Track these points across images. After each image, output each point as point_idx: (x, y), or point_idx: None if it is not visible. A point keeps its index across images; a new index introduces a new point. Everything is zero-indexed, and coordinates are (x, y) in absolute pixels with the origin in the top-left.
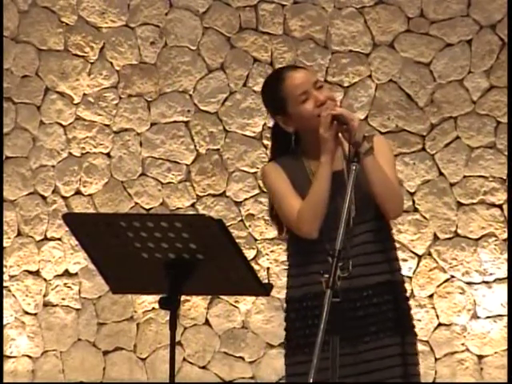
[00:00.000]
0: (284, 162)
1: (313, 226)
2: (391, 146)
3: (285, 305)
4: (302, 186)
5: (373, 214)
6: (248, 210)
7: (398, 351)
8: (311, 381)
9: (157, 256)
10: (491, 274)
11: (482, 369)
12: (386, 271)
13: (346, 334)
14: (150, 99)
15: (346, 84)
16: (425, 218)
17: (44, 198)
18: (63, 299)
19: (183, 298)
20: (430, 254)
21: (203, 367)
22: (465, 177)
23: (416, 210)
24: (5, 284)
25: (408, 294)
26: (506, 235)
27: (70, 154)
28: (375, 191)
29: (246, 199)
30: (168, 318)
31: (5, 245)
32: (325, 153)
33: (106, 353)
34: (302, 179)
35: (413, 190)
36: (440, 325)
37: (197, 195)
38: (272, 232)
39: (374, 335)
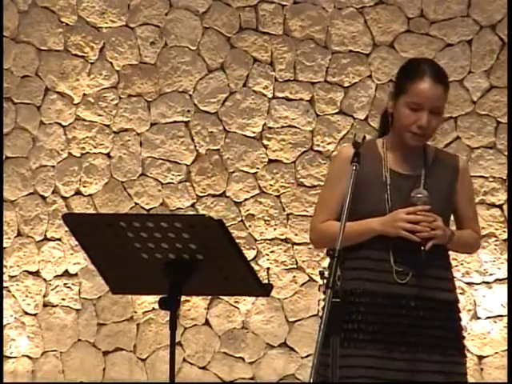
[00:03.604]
0: (366, 146)
1: (320, 246)
2: (469, 171)
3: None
4: (369, 175)
5: None
6: (248, 210)
7: (435, 368)
8: (311, 381)
9: (157, 256)
10: (491, 275)
11: (482, 369)
12: (445, 289)
13: (387, 338)
14: (149, 99)
15: (346, 84)
16: None
17: (44, 198)
18: (63, 299)
19: (183, 298)
20: None
21: (203, 368)
22: None
23: None
24: (5, 284)
25: (461, 315)
26: (506, 235)
27: (70, 154)
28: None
29: (246, 199)
30: (168, 318)
31: (5, 245)
32: (382, 230)
33: (105, 353)
34: (373, 168)
35: None
36: None
37: (197, 195)
38: (272, 232)
39: (412, 347)
